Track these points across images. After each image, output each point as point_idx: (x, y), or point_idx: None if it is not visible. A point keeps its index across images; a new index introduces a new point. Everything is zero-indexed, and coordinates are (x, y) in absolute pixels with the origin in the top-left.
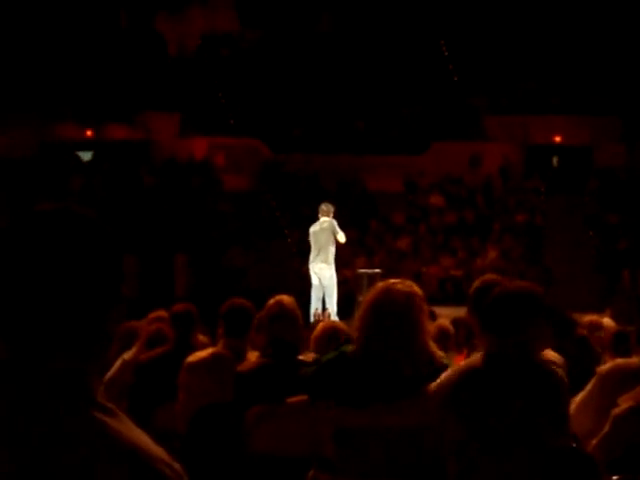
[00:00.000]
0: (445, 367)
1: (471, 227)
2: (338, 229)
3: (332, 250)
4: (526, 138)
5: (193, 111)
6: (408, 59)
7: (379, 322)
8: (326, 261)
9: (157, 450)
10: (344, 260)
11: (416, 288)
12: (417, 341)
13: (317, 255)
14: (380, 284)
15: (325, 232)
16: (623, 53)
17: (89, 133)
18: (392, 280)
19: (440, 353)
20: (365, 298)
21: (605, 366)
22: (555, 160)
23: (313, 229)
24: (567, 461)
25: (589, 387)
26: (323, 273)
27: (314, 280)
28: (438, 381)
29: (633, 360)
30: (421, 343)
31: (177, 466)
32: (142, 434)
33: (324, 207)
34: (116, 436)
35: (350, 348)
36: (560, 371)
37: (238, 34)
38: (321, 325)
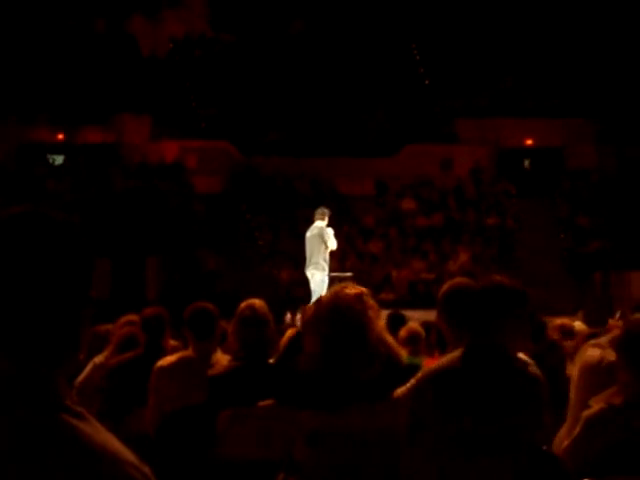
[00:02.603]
0: (412, 368)
1: (442, 230)
2: (328, 236)
3: (324, 256)
4: (498, 141)
5: (165, 114)
6: (380, 62)
7: (322, 333)
8: (317, 267)
9: (126, 453)
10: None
11: (364, 291)
12: (366, 345)
13: (310, 260)
14: (325, 295)
15: (315, 238)
16: (594, 56)
17: (61, 136)
18: (337, 287)
19: (403, 353)
20: (310, 307)
21: (580, 362)
22: (527, 163)
23: (307, 234)
24: (535, 463)
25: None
26: (314, 278)
27: (311, 285)
28: (412, 382)
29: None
30: (372, 346)
31: (146, 469)
32: (112, 437)
33: (318, 211)
34: (85, 439)
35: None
36: (538, 371)
37: (210, 37)
38: (290, 331)
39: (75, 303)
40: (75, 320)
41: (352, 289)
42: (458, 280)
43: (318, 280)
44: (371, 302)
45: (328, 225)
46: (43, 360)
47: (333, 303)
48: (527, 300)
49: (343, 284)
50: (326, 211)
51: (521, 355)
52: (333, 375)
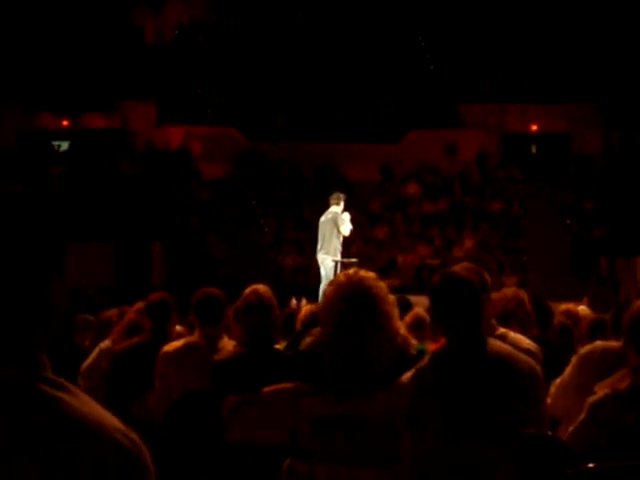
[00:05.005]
0: (419, 354)
1: (447, 216)
2: (342, 221)
3: (335, 241)
4: (503, 126)
5: (170, 100)
6: (385, 48)
7: (345, 315)
8: (328, 252)
9: (112, 420)
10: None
11: (378, 278)
12: (385, 332)
13: (322, 246)
14: (341, 276)
15: (329, 223)
16: (599, 41)
17: (66, 122)
18: (352, 271)
19: (413, 342)
20: (327, 290)
21: (585, 347)
22: (533, 148)
23: (321, 219)
24: (540, 448)
25: (569, 368)
26: (325, 263)
27: (321, 271)
28: (409, 374)
29: (612, 343)
30: (389, 334)
31: (134, 435)
32: (96, 406)
33: (333, 196)
34: (67, 409)
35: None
36: (531, 364)
37: (215, 22)
38: (307, 308)
39: (44, 272)
40: (47, 289)
41: (369, 275)
42: (449, 269)
43: (328, 265)
44: (387, 291)
45: (344, 210)
46: (18, 331)
47: (356, 285)
48: (486, 285)
49: (357, 269)
50: (341, 196)
51: (526, 342)
52: (348, 359)
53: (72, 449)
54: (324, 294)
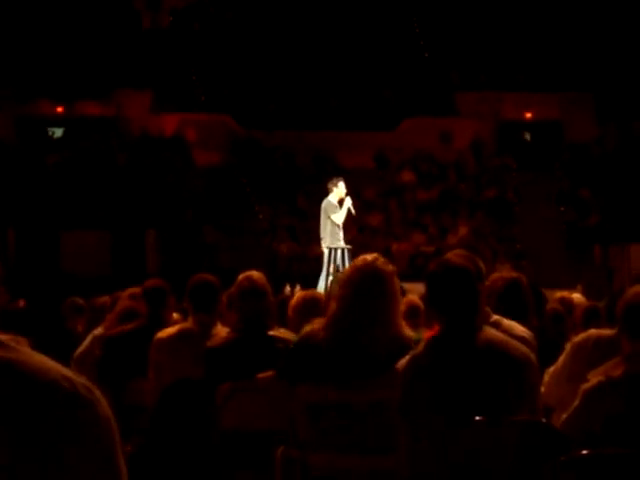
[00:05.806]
0: (412, 346)
1: (442, 203)
2: (332, 209)
3: (330, 229)
4: (498, 114)
5: (165, 87)
6: (380, 36)
7: (360, 301)
8: (324, 241)
9: (58, 368)
10: (316, 236)
11: (394, 271)
12: (393, 321)
13: (324, 234)
14: (359, 261)
15: (322, 212)
16: (594, 29)
17: (60, 109)
18: (369, 257)
19: (409, 332)
20: (344, 276)
21: (579, 335)
22: (527, 136)
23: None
24: (534, 435)
25: (563, 356)
26: (324, 251)
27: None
28: (403, 362)
29: (606, 331)
30: (395, 322)
31: (83, 380)
32: (38, 356)
33: (330, 182)
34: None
35: (318, 323)
36: (517, 346)
37: (210, 9)
38: (300, 294)
39: None
40: None
41: (387, 267)
42: (445, 257)
43: (325, 253)
44: (398, 279)
45: (346, 194)
46: None
47: (369, 274)
48: (482, 273)
49: (377, 257)
50: (334, 180)
51: (520, 329)
52: (350, 345)
53: (13, 404)
54: (340, 276)
